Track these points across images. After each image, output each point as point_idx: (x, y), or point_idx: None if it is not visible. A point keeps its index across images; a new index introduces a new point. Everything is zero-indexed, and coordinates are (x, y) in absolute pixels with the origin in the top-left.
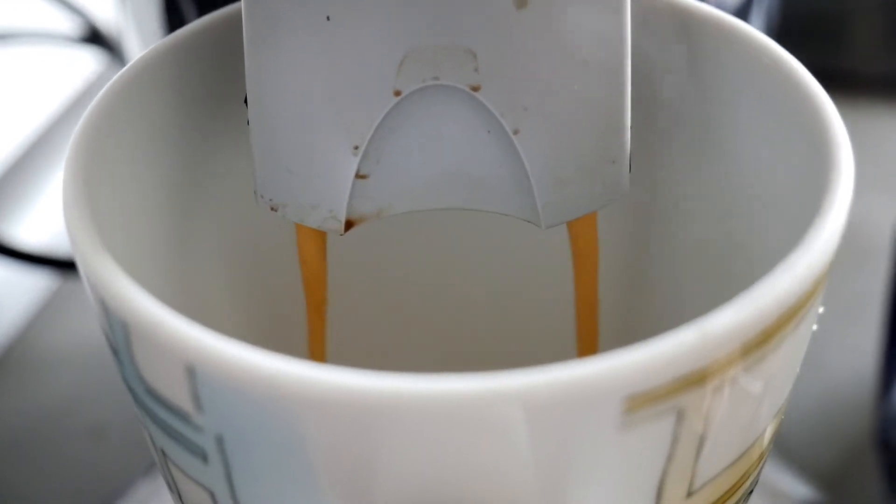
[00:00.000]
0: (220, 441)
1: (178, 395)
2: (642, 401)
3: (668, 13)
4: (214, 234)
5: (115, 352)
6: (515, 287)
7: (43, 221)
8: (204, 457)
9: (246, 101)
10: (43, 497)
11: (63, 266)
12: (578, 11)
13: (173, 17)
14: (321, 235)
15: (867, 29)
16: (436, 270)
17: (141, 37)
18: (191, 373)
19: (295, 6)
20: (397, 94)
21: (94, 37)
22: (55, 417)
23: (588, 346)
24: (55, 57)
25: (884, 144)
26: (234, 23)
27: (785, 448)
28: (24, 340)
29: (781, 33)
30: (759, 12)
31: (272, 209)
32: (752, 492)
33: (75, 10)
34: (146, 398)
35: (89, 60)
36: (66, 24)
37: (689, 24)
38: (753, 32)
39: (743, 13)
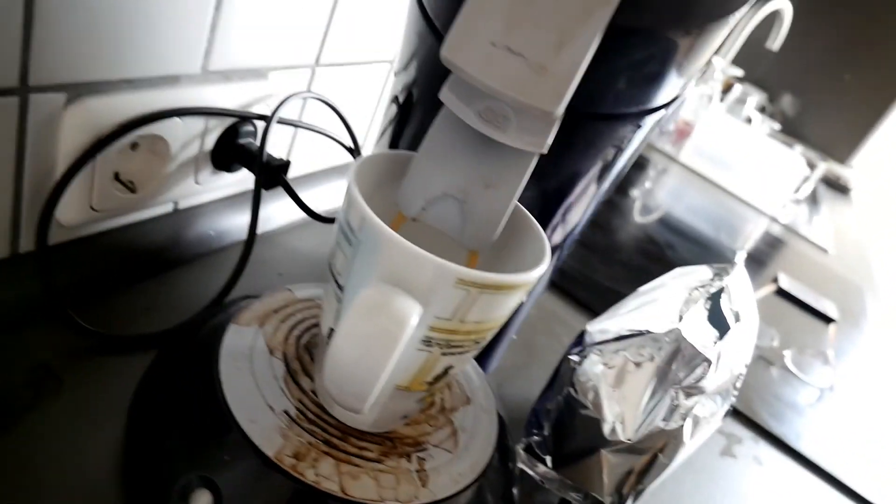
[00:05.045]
0: (359, 242)
1: (354, 225)
2: (467, 284)
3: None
4: (389, 209)
5: (339, 217)
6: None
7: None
8: (351, 243)
9: None
10: (262, 279)
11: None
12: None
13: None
14: (404, 218)
15: None
16: (437, 237)
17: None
18: (360, 221)
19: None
20: (443, 193)
21: (354, 150)
22: (272, 265)
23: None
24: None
25: None
26: (396, 156)
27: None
28: (281, 233)
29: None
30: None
31: (401, 211)
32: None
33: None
34: (345, 227)
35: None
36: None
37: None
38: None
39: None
